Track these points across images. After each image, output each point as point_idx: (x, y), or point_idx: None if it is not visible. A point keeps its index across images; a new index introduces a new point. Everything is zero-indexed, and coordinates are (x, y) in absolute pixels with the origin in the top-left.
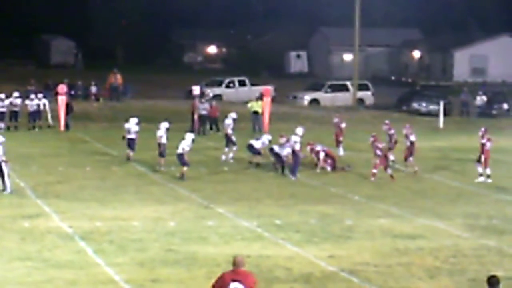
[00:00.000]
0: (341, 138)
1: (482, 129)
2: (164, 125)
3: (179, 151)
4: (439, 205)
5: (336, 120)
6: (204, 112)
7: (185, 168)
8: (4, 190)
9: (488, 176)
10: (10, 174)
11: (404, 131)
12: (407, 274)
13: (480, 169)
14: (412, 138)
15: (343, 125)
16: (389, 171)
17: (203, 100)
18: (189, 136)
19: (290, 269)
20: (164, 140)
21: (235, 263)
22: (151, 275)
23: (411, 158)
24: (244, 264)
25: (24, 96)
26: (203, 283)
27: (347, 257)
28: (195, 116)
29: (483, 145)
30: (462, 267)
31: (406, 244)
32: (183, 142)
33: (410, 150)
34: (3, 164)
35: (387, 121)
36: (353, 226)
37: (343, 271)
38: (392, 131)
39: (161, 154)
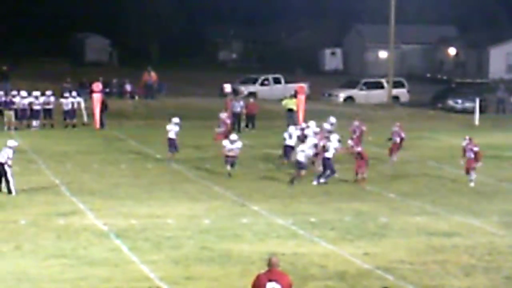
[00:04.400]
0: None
1: None
2: (174, 120)
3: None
4: (474, 203)
5: (356, 123)
6: (238, 110)
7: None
8: (9, 192)
9: None
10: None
11: (395, 129)
12: (442, 272)
13: None
14: (402, 135)
15: (364, 127)
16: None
17: (237, 97)
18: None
19: (325, 266)
20: (172, 135)
21: (271, 264)
22: (186, 273)
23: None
24: (279, 264)
25: (59, 94)
26: (237, 280)
27: (382, 254)
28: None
29: None
30: (497, 265)
31: (441, 241)
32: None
33: (397, 146)
34: (7, 168)
35: (467, 137)
36: (388, 223)
37: (378, 269)
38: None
39: (171, 149)
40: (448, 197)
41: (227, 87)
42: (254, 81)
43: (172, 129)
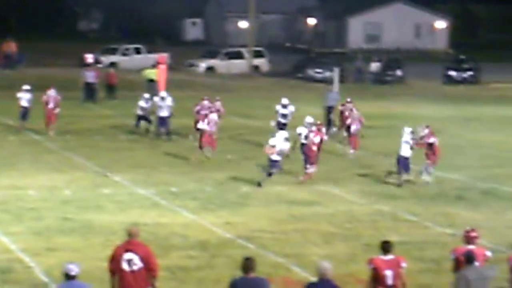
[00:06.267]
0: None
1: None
2: (25, 87)
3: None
4: (334, 171)
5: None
6: (90, 80)
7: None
8: None
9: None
10: None
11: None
12: (302, 240)
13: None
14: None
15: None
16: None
17: (88, 68)
18: None
19: (187, 236)
20: (24, 103)
21: (130, 234)
22: (47, 244)
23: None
24: (138, 234)
25: None
26: (100, 251)
27: (243, 224)
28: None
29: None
30: (356, 233)
31: (302, 210)
32: None
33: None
34: None
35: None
36: (249, 193)
37: (239, 238)
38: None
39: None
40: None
41: (89, 57)
42: (114, 51)
43: (23, 96)
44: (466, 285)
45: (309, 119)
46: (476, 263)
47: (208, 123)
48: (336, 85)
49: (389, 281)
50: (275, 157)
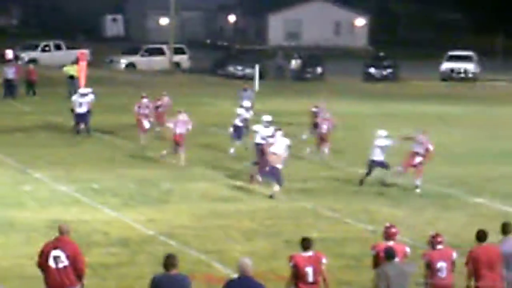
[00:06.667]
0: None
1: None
2: None
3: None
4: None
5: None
6: (9, 76)
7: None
8: None
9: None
10: None
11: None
12: (224, 236)
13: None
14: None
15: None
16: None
17: (8, 64)
18: None
19: (108, 233)
20: None
21: (60, 231)
22: None
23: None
24: (68, 232)
25: None
26: (21, 248)
27: (165, 220)
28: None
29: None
30: (277, 229)
31: (224, 207)
32: None
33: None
34: None
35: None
36: (171, 190)
37: (161, 235)
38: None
39: None
40: (231, 163)
41: (9, 53)
42: (35, 47)
43: None
44: (386, 281)
45: (266, 117)
46: (396, 259)
47: (176, 124)
48: (256, 83)
49: (310, 278)
50: (279, 165)
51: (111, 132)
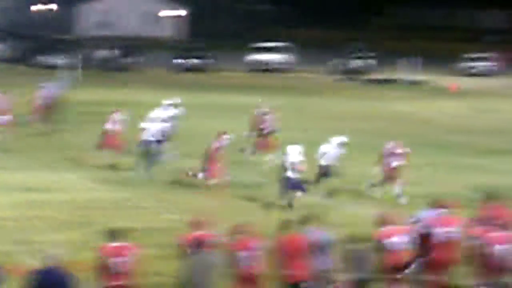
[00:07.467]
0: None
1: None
2: None
3: None
4: (78, 159)
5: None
6: None
7: None
8: None
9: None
10: None
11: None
12: (33, 227)
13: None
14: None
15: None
16: None
17: None
18: None
19: None
20: None
21: None
22: None
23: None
24: None
25: None
26: None
27: None
28: None
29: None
30: (89, 220)
31: (38, 197)
32: None
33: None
34: None
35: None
36: None
37: None
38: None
39: None
40: (50, 154)
41: None
42: None
43: None
44: (193, 271)
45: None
46: (203, 250)
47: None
48: (65, 73)
49: (118, 268)
50: (289, 173)
51: None
